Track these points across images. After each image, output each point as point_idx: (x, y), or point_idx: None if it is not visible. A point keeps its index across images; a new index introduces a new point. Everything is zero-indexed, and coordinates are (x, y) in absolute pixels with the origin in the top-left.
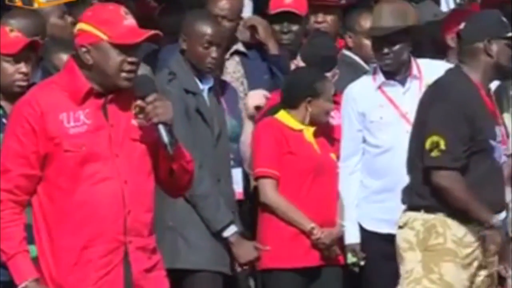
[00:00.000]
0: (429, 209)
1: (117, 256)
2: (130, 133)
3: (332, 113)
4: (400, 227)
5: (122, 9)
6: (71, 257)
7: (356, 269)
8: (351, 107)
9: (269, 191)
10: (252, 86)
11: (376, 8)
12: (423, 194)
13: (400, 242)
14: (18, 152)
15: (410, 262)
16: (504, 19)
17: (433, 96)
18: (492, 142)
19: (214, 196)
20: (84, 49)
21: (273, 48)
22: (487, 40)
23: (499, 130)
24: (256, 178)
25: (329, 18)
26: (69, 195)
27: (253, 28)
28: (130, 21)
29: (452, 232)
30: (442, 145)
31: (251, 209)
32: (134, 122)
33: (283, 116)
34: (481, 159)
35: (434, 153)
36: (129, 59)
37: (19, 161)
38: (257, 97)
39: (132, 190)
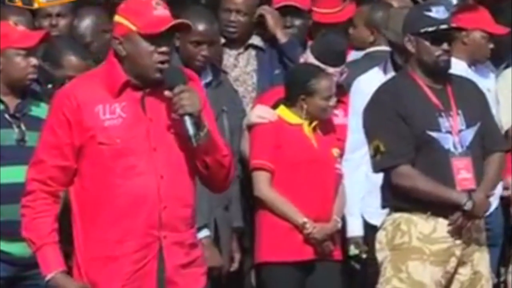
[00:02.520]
0: (396, 208)
1: (151, 251)
2: (169, 127)
3: (337, 111)
4: (378, 229)
5: (154, 0)
6: (104, 250)
7: (357, 266)
8: (359, 100)
9: (262, 185)
10: (262, 81)
11: (394, 12)
12: (388, 194)
13: (375, 244)
14: (53, 143)
15: (383, 262)
16: (431, 13)
17: (368, 102)
18: (433, 134)
19: None
20: (117, 41)
21: (282, 37)
22: (407, 36)
23: (446, 121)
24: (251, 170)
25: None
26: (103, 189)
27: (261, 17)
28: (160, 11)
29: (418, 229)
30: (382, 148)
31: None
32: (174, 115)
33: (282, 110)
34: (422, 152)
35: (378, 158)
36: (160, 49)
37: (53, 152)
38: (262, 110)
39: (168, 185)
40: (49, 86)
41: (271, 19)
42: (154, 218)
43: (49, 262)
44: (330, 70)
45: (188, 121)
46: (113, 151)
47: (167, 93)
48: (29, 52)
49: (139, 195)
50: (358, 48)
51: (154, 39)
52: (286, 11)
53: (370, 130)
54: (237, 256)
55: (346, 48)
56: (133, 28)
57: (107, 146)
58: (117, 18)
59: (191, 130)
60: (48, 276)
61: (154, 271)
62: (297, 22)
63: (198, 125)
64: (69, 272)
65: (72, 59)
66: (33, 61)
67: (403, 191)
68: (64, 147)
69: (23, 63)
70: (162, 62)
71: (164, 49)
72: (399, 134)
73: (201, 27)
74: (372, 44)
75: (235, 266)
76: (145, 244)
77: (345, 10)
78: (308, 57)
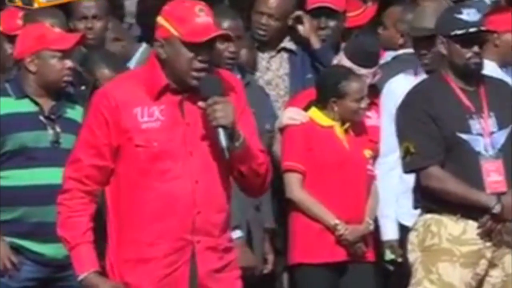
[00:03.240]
0: (427, 209)
1: (184, 255)
2: (206, 132)
3: (369, 113)
4: (410, 229)
5: (198, 6)
6: (136, 252)
7: (391, 267)
8: (390, 103)
9: (294, 187)
10: (294, 84)
11: (419, 8)
12: (420, 194)
13: (407, 244)
14: (90, 142)
15: (414, 263)
16: (462, 15)
17: (400, 104)
18: (463, 135)
19: None
20: (158, 43)
21: (315, 43)
22: (439, 38)
23: (477, 123)
24: (283, 172)
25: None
26: (138, 190)
27: (298, 20)
28: (203, 19)
29: (448, 231)
30: (412, 149)
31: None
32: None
33: (313, 112)
34: (452, 154)
35: (407, 159)
36: (200, 58)
37: (90, 151)
38: (294, 112)
39: (203, 190)
40: (82, 88)
41: (307, 23)
42: (188, 222)
43: (83, 262)
44: (363, 71)
45: (221, 133)
46: (149, 153)
47: (201, 103)
48: (65, 54)
49: (174, 199)
50: (387, 49)
51: (194, 46)
52: (320, 13)
53: (401, 131)
54: (270, 258)
55: (379, 49)
56: (175, 33)
57: (144, 149)
58: (160, 20)
59: (224, 142)
60: (81, 276)
61: (186, 276)
62: (332, 23)
63: (232, 136)
64: (102, 271)
65: (105, 72)
66: (69, 63)
67: (432, 192)
68: (101, 147)
69: (58, 65)
70: (200, 70)
71: (203, 57)
72: (429, 136)
73: (225, 23)
74: (402, 46)
75: (268, 267)
76: (178, 248)
77: (366, 12)
78: (342, 59)
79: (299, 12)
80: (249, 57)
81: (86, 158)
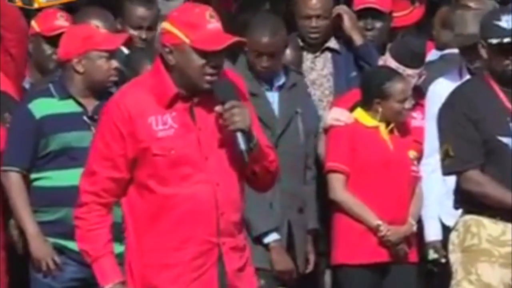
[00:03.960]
0: (467, 210)
1: (211, 257)
2: (217, 135)
3: (415, 114)
4: (451, 230)
5: (208, 12)
6: (161, 258)
7: (435, 269)
8: (435, 104)
9: (337, 188)
10: (338, 84)
11: (459, 14)
12: (460, 196)
13: (448, 245)
14: (105, 155)
15: (454, 263)
16: (500, 22)
17: (441, 105)
18: (504, 139)
19: (262, 200)
20: (167, 49)
21: (358, 40)
22: (480, 42)
23: None
24: (326, 173)
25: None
26: (160, 199)
27: (339, 17)
28: (214, 25)
29: (487, 231)
30: (451, 152)
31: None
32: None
33: (358, 113)
34: (492, 157)
35: (446, 162)
36: (212, 63)
37: (106, 164)
38: (338, 113)
39: (224, 192)
40: None
41: (348, 20)
42: (213, 225)
43: (106, 273)
44: (409, 71)
45: (239, 137)
46: (168, 161)
47: (218, 108)
48: (111, 54)
49: (197, 203)
50: (439, 49)
51: (206, 53)
52: (367, 14)
53: (441, 133)
54: (312, 258)
55: (425, 49)
56: (186, 40)
57: (162, 157)
58: (167, 26)
59: (243, 145)
60: (106, 287)
61: (215, 278)
62: (378, 24)
63: (249, 139)
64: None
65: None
66: (115, 63)
67: (471, 196)
68: (117, 159)
69: (105, 66)
70: (212, 74)
71: (215, 63)
72: (469, 140)
73: (264, 39)
74: (447, 45)
75: (310, 268)
76: (204, 251)
77: (414, 12)
78: (387, 59)
79: (338, 9)
80: (294, 58)
81: (102, 171)
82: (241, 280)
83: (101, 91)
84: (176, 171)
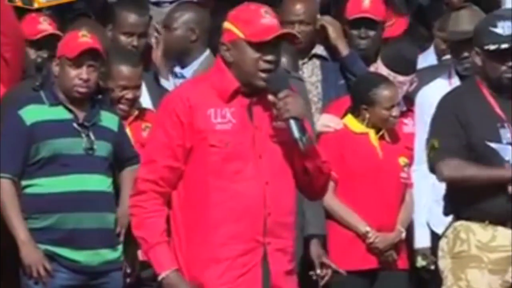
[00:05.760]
0: (457, 216)
1: (256, 256)
2: (273, 135)
3: (406, 120)
4: (441, 236)
5: (263, 8)
6: (208, 253)
7: (427, 276)
8: (425, 110)
9: (326, 194)
10: (327, 91)
11: (454, 14)
12: (449, 201)
13: (438, 251)
14: (165, 143)
15: (444, 270)
16: (496, 29)
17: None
18: (493, 144)
19: None
20: (224, 47)
21: (343, 50)
22: (475, 48)
23: (507, 132)
24: None
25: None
26: (210, 191)
27: (323, 29)
28: (269, 19)
29: (477, 237)
30: (436, 145)
31: None
32: (277, 124)
33: (348, 119)
34: (482, 163)
35: (431, 154)
36: (265, 58)
37: (165, 152)
38: (328, 119)
39: (273, 192)
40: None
41: (333, 32)
42: (259, 224)
43: (162, 261)
44: (400, 78)
45: (293, 124)
46: (222, 154)
47: (270, 97)
48: (78, 63)
49: (245, 200)
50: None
51: (260, 46)
52: (360, 23)
53: (430, 131)
54: (327, 262)
55: (417, 56)
56: (241, 35)
57: (218, 149)
58: (226, 24)
59: (296, 133)
60: (162, 274)
61: (259, 277)
62: (371, 33)
63: (303, 129)
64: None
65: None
66: (83, 74)
67: (454, 185)
68: (176, 148)
69: (72, 74)
70: (266, 71)
71: (269, 57)
72: (455, 134)
73: None
74: (444, 51)
75: (329, 273)
76: (250, 249)
77: (397, 23)
78: (379, 66)
79: (321, 20)
80: (292, 64)
81: (161, 159)
82: (287, 283)
83: (91, 99)
84: (229, 165)
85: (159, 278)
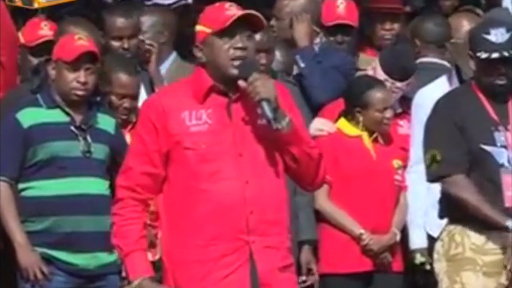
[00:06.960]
0: (451, 220)
1: (242, 255)
2: (255, 132)
3: (401, 122)
4: (436, 239)
5: (228, 4)
6: (192, 254)
7: (421, 281)
8: (423, 112)
9: (320, 197)
10: None
11: (455, 22)
12: (444, 205)
13: (433, 254)
14: (141, 150)
15: (439, 273)
16: (489, 36)
17: (429, 113)
18: (487, 148)
19: None
20: (197, 49)
21: (301, 41)
22: (469, 52)
23: (502, 136)
24: None
25: (396, 25)
26: (189, 194)
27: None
28: (233, 11)
29: (471, 240)
30: (438, 157)
31: None
32: (261, 121)
33: (342, 122)
34: (476, 166)
35: (433, 167)
36: (236, 45)
37: (141, 159)
38: (321, 123)
39: (254, 190)
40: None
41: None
42: (242, 222)
43: (136, 268)
44: (398, 84)
45: (265, 106)
46: (198, 156)
47: (241, 82)
48: (76, 66)
49: (225, 200)
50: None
51: (227, 35)
52: (338, 29)
53: (428, 139)
54: (314, 268)
55: (414, 60)
56: (208, 30)
57: (193, 151)
58: (197, 28)
59: (269, 113)
60: (136, 282)
61: (247, 276)
62: (347, 38)
63: (276, 110)
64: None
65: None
66: (81, 77)
67: (453, 200)
68: (152, 154)
69: (69, 77)
70: (238, 58)
71: (239, 44)
72: (455, 143)
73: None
74: (418, 54)
75: (312, 279)
76: (235, 249)
77: None
78: (376, 68)
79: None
80: (285, 62)
81: (137, 166)
82: (279, 281)
83: (88, 102)
84: (205, 166)
85: (132, 285)
